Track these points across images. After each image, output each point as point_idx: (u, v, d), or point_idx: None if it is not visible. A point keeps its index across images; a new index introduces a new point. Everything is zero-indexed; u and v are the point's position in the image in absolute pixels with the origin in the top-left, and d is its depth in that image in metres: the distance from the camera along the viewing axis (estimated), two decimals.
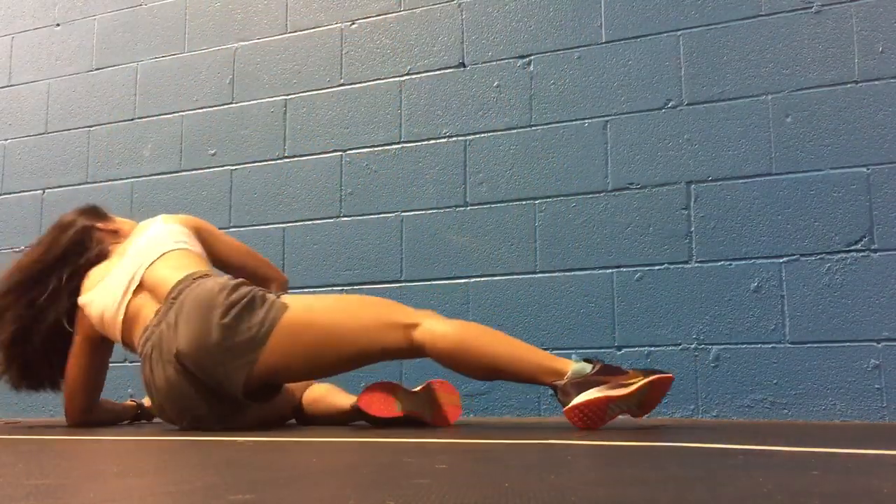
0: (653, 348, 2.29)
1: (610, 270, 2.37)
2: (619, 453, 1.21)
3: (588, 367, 1.74)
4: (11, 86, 3.32)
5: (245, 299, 1.80)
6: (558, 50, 2.53)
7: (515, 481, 0.84)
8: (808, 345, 2.17)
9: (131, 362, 2.91)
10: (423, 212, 2.60)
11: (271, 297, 1.84)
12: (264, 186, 2.82)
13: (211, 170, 2.92)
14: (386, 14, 2.78)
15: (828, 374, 2.14)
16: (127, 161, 3.06)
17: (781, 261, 2.22)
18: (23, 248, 3.16)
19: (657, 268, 2.33)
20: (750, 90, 2.31)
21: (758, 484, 0.79)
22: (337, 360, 1.83)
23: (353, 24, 2.82)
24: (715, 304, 2.26)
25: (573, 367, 1.73)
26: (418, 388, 1.96)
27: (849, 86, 2.23)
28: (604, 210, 2.41)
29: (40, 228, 3.15)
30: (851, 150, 2.20)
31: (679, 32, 2.41)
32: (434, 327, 1.79)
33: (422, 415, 1.93)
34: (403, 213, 2.62)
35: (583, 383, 1.72)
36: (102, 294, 2.00)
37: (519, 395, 2.40)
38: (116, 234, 2.17)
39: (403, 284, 2.58)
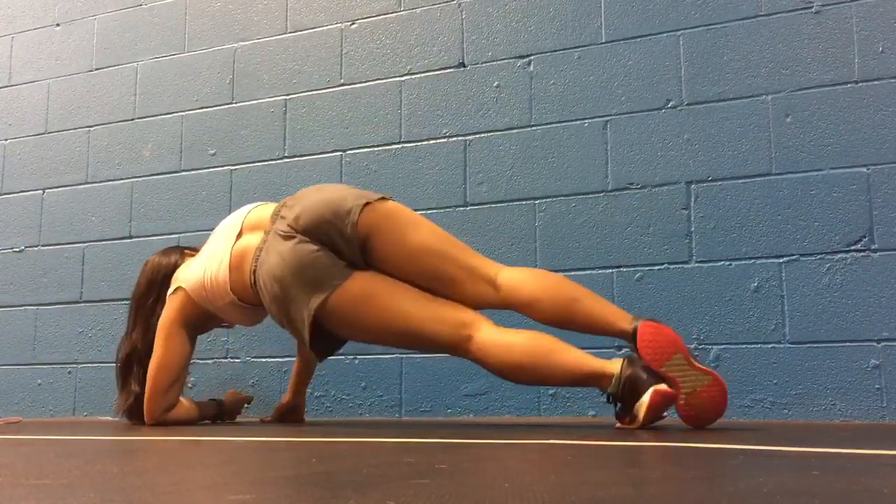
0: None
1: (610, 270, 2.37)
2: (619, 453, 1.21)
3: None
4: (11, 86, 3.32)
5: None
6: (558, 50, 2.53)
7: (515, 481, 0.84)
8: (808, 345, 2.17)
9: None
10: (424, 212, 2.60)
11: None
12: (264, 186, 2.82)
13: (211, 170, 2.92)
14: (386, 14, 2.78)
15: (828, 374, 2.14)
16: (127, 161, 3.06)
17: (781, 261, 2.22)
18: (23, 248, 3.17)
19: (657, 268, 2.33)
20: (750, 90, 2.31)
21: (758, 484, 0.79)
22: (421, 258, 1.95)
23: (353, 24, 2.82)
24: (715, 304, 2.26)
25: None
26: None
27: (849, 86, 2.23)
28: (604, 210, 2.40)
29: (40, 228, 3.15)
30: (851, 150, 2.20)
31: (679, 32, 2.41)
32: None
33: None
34: None
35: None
36: (201, 264, 2.13)
37: (519, 395, 2.40)
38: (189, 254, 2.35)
39: None
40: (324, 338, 2.01)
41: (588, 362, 1.79)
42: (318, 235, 1.93)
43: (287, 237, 1.94)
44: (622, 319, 1.82)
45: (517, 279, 1.92)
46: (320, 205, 1.94)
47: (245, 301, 2.09)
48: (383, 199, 1.99)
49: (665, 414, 1.74)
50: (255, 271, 2.00)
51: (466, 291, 1.93)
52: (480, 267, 1.94)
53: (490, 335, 1.86)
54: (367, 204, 1.94)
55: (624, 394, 1.73)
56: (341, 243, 1.93)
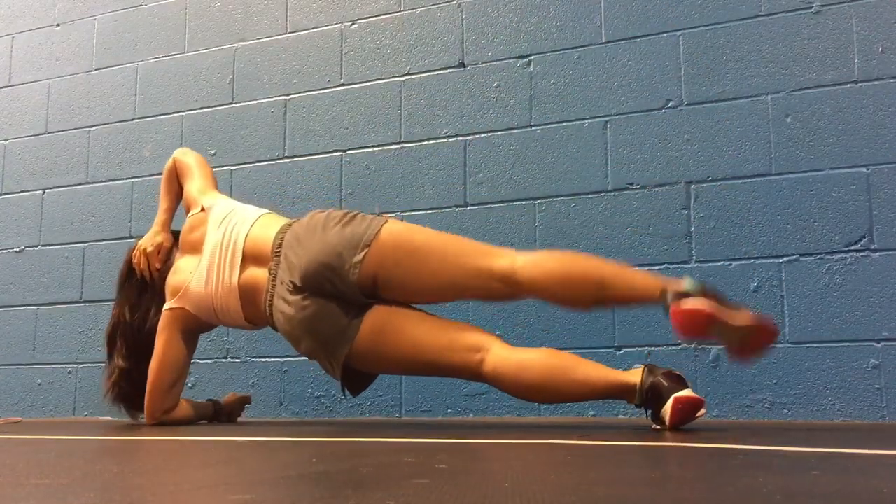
0: (653, 348, 2.29)
1: None
2: (618, 453, 1.21)
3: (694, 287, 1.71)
4: (11, 86, 3.32)
5: (350, 213, 1.98)
6: (558, 50, 2.53)
7: (515, 481, 0.84)
8: (808, 345, 2.17)
9: None
10: (423, 212, 2.60)
11: (370, 215, 1.99)
12: (264, 186, 2.82)
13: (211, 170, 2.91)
14: (386, 14, 2.78)
15: (828, 374, 2.14)
16: (127, 161, 3.06)
17: (781, 261, 2.22)
18: (23, 248, 3.16)
19: (657, 268, 2.33)
20: (750, 90, 2.31)
21: (758, 484, 0.79)
22: (435, 282, 1.91)
23: (353, 24, 2.82)
24: None
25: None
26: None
27: (849, 86, 2.23)
28: (604, 210, 2.40)
29: (40, 228, 3.15)
30: (851, 150, 2.20)
31: (679, 32, 2.40)
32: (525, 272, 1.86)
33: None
34: (403, 213, 2.61)
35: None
36: (205, 283, 2.09)
37: None
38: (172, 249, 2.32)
39: None
40: (354, 376, 2.03)
41: (608, 375, 1.78)
42: (320, 290, 1.91)
43: (292, 292, 1.93)
44: (651, 293, 1.78)
45: (536, 279, 1.86)
46: (314, 263, 1.90)
47: (261, 324, 2.12)
48: (377, 233, 1.91)
49: (699, 414, 1.71)
50: (271, 312, 1.99)
51: (483, 296, 1.97)
52: (494, 268, 1.88)
53: (501, 357, 1.84)
54: (364, 254, 1.88)
55: (649, 403, 1.72)
56: (345, 290, 1.90)
